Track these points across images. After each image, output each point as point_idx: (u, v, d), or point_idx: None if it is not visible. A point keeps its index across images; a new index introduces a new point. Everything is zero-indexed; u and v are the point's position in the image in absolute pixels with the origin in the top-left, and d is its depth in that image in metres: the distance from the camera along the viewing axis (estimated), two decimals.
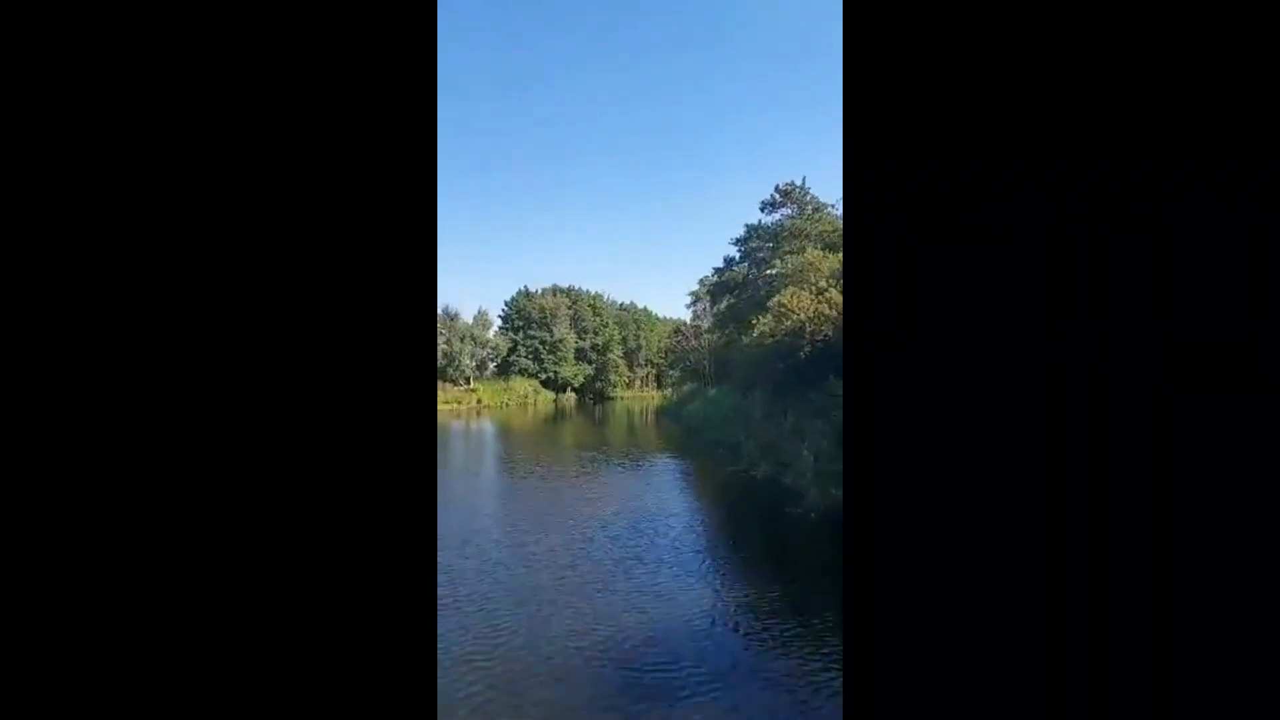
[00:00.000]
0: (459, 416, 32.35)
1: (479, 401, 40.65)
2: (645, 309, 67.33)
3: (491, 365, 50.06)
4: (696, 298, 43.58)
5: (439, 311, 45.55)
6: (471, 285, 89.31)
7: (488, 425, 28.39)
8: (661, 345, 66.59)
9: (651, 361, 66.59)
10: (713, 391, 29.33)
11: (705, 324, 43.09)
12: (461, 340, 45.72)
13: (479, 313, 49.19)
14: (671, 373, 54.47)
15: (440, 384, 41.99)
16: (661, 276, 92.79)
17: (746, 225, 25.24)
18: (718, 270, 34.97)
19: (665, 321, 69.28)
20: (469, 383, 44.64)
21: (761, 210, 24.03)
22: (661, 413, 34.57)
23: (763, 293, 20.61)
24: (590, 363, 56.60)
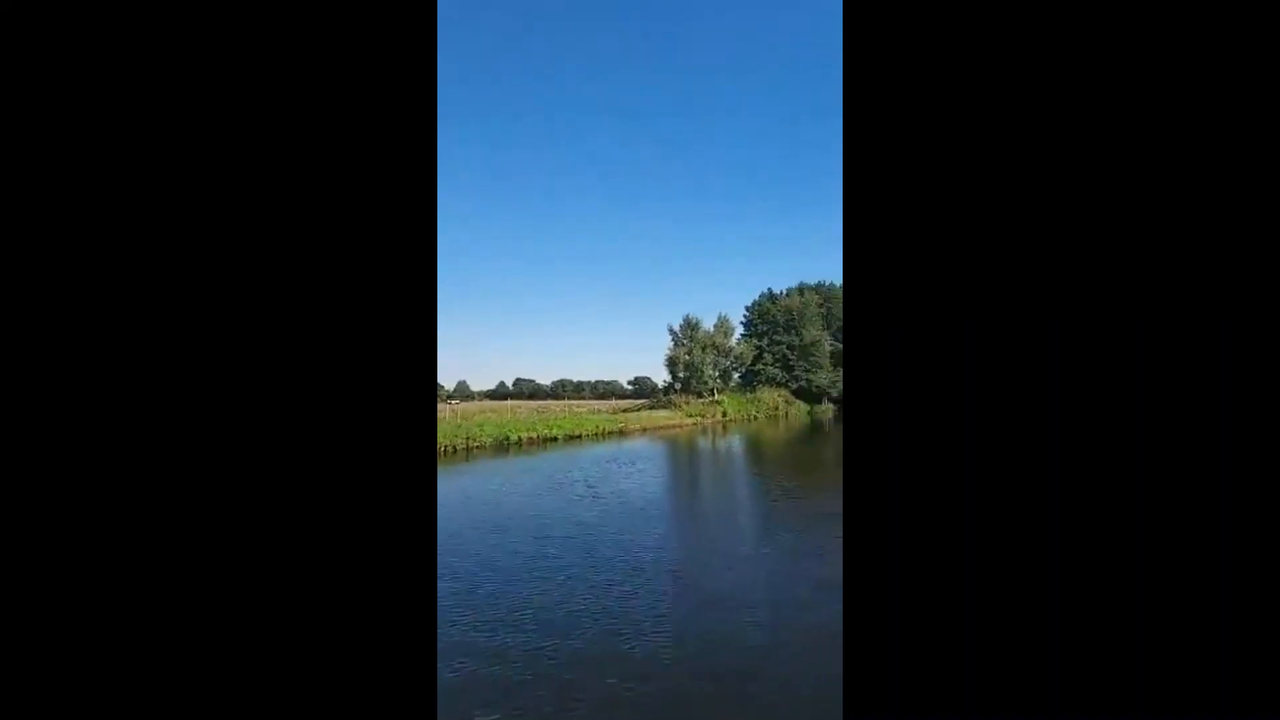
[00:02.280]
0: (703, 432, 28.74)
1: (723, 415, 36.75)
2: None
3: (736, 375, 46.07)
4: None
5: (681, 321, 43.76)
6: (715, 296, 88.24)
7: (735, 442, 24.01)
8: None
9: None
10: None
11: None
12: (703, 350, 42.66)
13: (720, 319, 45.17)
14: None
15: (684, 396, 39.75)
16: None
17: None
18: None
19: None
20: (713, 394, 41.40)
21: None
22: None
23: None
24: None
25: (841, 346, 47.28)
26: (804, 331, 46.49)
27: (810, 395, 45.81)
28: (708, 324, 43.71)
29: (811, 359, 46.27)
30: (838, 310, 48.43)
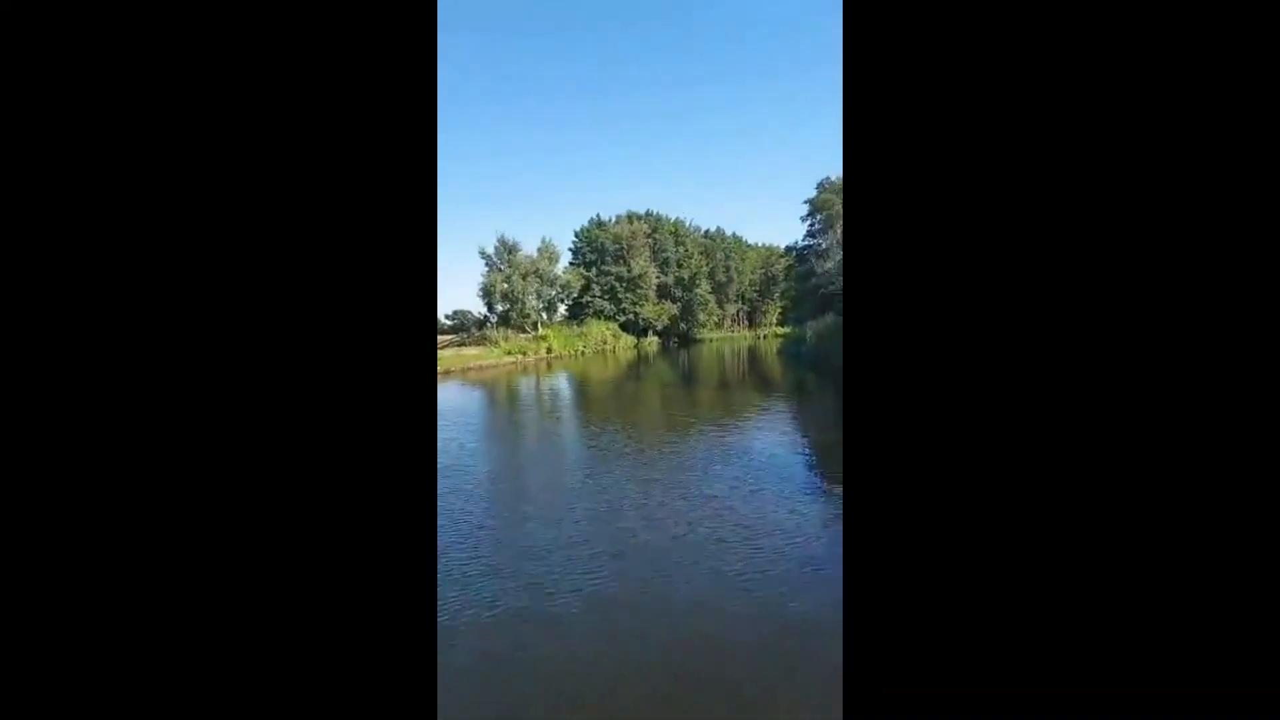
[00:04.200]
0: (526, 371, 25.10)
1: (549, 350, 32.97)
2: (735, 235, 57.44)
3: (562, 307, 42.38)
4: (815, 208, 33.81)
5: (495, 243, 37.91)
6: (534, 218, 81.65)
7: (563, 383, 21.06)
8: (754, 277, 57.36)
9: (744, 296, 57.32)
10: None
11: (826, 244, 33.69)
12: (524, 278, 36.52)
13: (544, 244, 39.05)
14: (777, 304, 45.22)
15: (505, 331, 35.03)
16: (741, 195, 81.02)
17: None
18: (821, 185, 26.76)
19: (756, 249, 59.50)
20: (536, 328, 36.49)
21: None
22: (782, 353, 26.07)
23: None
24: (675, 300, 48.15)
25: (666, 279, 46.87)
26: (632, 262, 44.55)
27: (637, 329, 44.76)
28: (529, 248, 37.93)
29: (639, 291, 44.84)
30: (665, 241, 47.48)
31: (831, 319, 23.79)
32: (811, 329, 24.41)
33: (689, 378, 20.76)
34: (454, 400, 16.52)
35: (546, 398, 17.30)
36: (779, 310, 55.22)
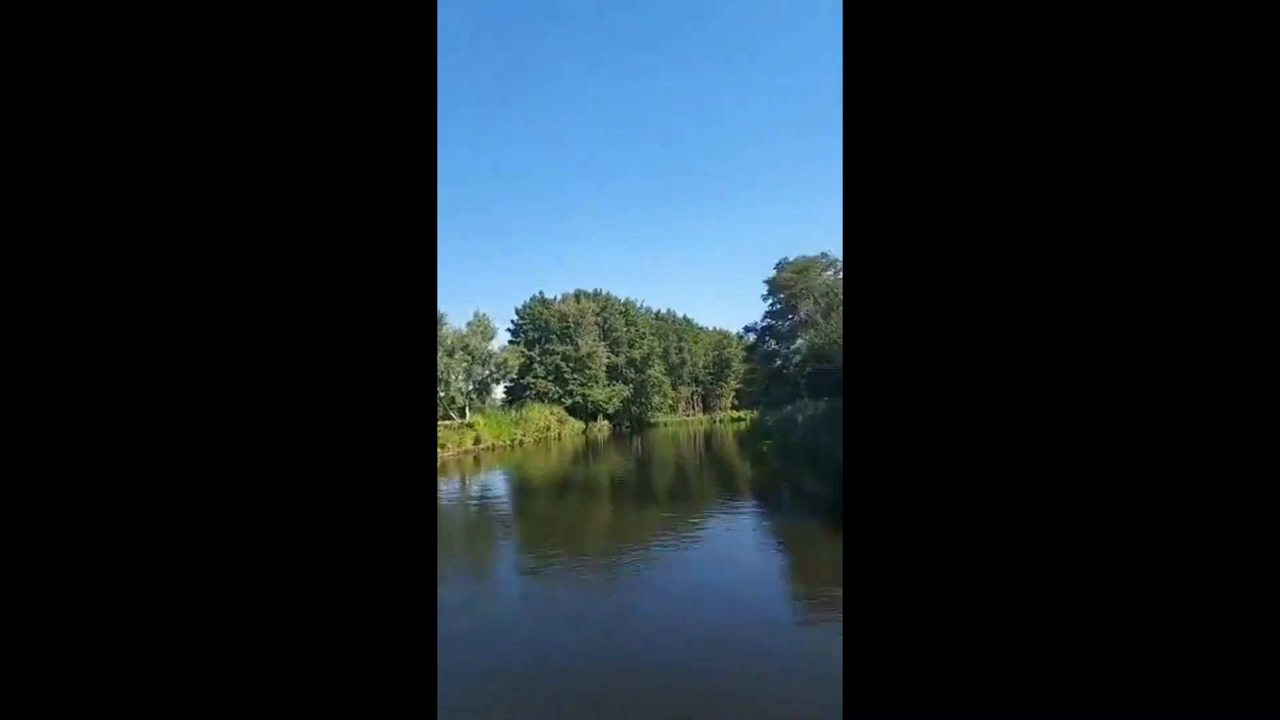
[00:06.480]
0: (444, 470, 19.33)
1: (476, 441, 25.47)
2: (685, 317, 55.42)
3: (499, 388, 37.10)
4: (773, 288, 31.79)
5: None
6: (471, 294, 77.58)
7: (498, 484, 15.79)
8: (708, 359, 54.91)
9: (698, 379, 54.31)
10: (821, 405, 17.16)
11: (788, 325, 31.48)
12: (450, 355, 29.37)
13: (476, 316, 32.84)
14: (746, 389, 42.27)
15: None
16: (695, 279, 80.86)
17: None
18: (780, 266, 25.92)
19: (708, 332, 57.63)
20: (463, 415, 28.79)
21: None
22: (750, 437, 22.05)
23: None
24: (627, 382, 44.23)
25: (617, 360, 43.26)
26: (580, 341, 40.80)
27: (585, 412, 40.13)
28: (456, 322, 31.91)
29: (588, 372, 40.78)
30: (614, 322, 44.42)
31: (815, 403, 20.24)
32: (802, 413, 20.57)
33: (651, 470, 16.00)
34: None
35: (453, 519, 12.05)
36: (734, 393, 52.87)
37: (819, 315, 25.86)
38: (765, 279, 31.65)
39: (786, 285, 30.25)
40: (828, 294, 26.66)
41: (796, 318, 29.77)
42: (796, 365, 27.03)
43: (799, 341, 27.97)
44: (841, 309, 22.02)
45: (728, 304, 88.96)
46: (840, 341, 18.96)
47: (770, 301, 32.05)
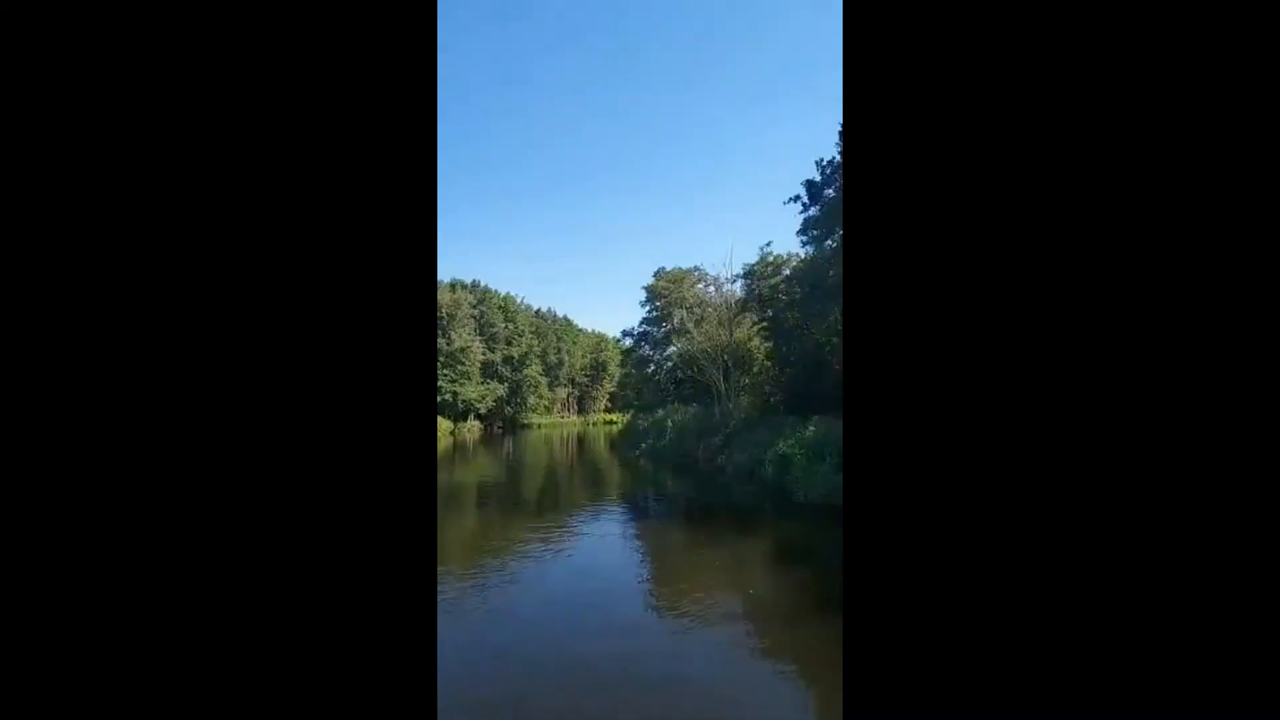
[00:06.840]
0: None
1: None
2: (565, 318, 55.43)
3: None
4: (651, 295, 33.23)
5: None
6: None
7: None
8: (585, 361, 55.34)
9: (574, 380, 54.54)
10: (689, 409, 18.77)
11: (662, 332, 33.09)
12: None
13: None
14: (620, 393, 43.08)
15: None
16: (580, 282, 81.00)
17: None
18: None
19: (587, 334, 58.15)
20: None
21: None
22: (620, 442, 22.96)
23: None
24: (502, 380, 43.14)
25: (493, 357, 42.04)
26: (453, 334, 39.03)
27: (456, 411, 38.46)
28: None
29: (460, 368, 39.12)
30: (493, 316, 43.11)
31: (684, 408, 21.68)
32: (670, 417, 21.82)
33: (521, 480, 16.02)
34: None
35: None
36: (608, 396, 53.88)
37: (690, 324, 27.58)
38: (644, 285, 32.95)
39: (662, 293, 31.78)
40: (699, 305, 28.49)
41: (670, 326, 31.41)
42: (668, 370, 28.52)
43: (671, 349, 29.50)
44: (709, 321, 23.69)
45: (609, 308, 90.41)
46: (709, 350, 20.50)
47: (648, 308, 33.42)
